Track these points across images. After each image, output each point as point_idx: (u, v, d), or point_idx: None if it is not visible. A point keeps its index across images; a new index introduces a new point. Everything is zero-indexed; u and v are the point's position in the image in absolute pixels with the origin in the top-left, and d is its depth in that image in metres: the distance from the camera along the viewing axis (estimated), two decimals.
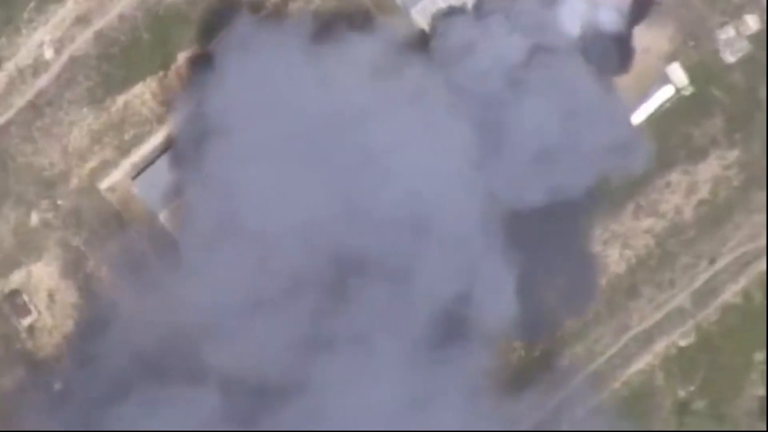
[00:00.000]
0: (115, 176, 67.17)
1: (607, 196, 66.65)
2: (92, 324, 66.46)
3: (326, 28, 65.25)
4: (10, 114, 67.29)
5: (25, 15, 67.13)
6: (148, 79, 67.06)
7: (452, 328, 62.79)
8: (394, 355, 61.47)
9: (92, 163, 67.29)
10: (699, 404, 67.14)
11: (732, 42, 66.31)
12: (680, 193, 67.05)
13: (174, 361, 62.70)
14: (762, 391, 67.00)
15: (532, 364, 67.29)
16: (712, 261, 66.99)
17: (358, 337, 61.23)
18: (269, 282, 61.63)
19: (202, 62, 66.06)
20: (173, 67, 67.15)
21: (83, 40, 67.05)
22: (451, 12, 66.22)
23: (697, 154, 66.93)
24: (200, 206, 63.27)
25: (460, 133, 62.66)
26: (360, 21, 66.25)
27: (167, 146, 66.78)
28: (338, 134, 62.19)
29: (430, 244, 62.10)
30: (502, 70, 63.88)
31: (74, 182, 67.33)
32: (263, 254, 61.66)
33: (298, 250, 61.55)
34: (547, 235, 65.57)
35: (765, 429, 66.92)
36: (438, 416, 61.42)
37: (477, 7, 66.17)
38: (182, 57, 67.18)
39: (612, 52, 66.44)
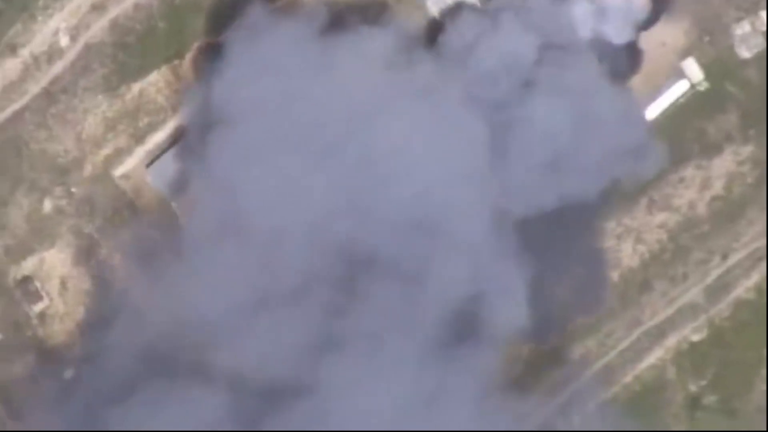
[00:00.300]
0: (129, 164, 67.07)
1: (621, 190, 66.42)
2: (103, 313, 66.33)
3: (340, 19, 65.08)
4: (24, 100, 67.15)
5: (41, 2, 66.96)
6: (163, 68, 66.94)
7: (462, 328, 62.53)
8: (403, 354, 61.11)
9: (106, 151, 67.19)
10: (710, 399, 67.17)
11: (747, 37, 66.29)
12: (694, 188, 67.04)
13: (181, 358, 62.46)
14: None
15: (544, 358, 67.22)
16: (725, 256, 66.99)
17: (367, 336, 60.88)
18: (276, 280, 61.25)
19: (215, 52, 65.84)
20: (188, 56, 67.04)
21: (99, 27, 66.92)
22: (460, 7, 66.05)
23: (712, 150, 66.91)
24: (205, 200, 63.02)
25: (471, 131, 62.29)
26: (375, 12, 66.09)
27: (181, 135, 66.63)
28: (347, 129, 61.83)
29: (440, 244, 61.77)
30: (511, 68, 63.62)
31: (88, 169, 67.23)
32: (270, 251, 61.28)
33: (306, 247, 61.21)
34: (557, 237, 65.47)
35: (765, 429, 67.08)
36: (448, 414, 61.15)
37: (486, 3, 65.91)
38: (197, 46, 67.07)
39: (621, 54, 66.30)
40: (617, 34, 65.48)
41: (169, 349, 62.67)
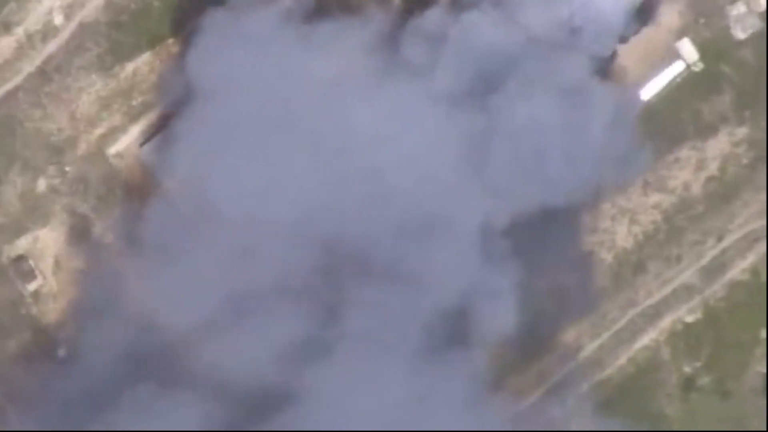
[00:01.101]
0: (123, 143, 66.96)
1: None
2: (94, 296, 66.06)
3: (324, 7, 64.49)
4: (18, 79, 66.88)
5: None
6: (158, 47, 66.79)
7: (450, 331, 61.49)
8: (387, 358, 60.12)
9: (100, 130, 66.95)
10: (704, 380, 67.16)
11: (743, 18, 66.19)
12: (689, 170, 66.97)
13: (163, 360, 61.90)
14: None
15: (536, 340, 67.06)
16: (719, 238, 66.96)
17: (352, 339, 59.94)
18: (252, 277, 60.08)
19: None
20: (182, 35, 66.83)
21: (93, 6, 66.60)
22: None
23: (707, 131, 66.81)
24: (175, 185, 62.30)
25: (454, 126, 60.93)
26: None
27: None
28: (318, 119, 60.58)
29: (424, 243, 60.66)
30: (488, 62, 61.90)
31: (82, 148, 67.00)
32: (243, 246, 60.10)
33: (283, 242, 59.98)
34: (541, 240, 64.93)
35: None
36: (437, 417, 60.10)
37: None
38: (191, 25, 66.83)
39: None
40: (596, 47, 64.59)
41: (151, 349, 62.15)
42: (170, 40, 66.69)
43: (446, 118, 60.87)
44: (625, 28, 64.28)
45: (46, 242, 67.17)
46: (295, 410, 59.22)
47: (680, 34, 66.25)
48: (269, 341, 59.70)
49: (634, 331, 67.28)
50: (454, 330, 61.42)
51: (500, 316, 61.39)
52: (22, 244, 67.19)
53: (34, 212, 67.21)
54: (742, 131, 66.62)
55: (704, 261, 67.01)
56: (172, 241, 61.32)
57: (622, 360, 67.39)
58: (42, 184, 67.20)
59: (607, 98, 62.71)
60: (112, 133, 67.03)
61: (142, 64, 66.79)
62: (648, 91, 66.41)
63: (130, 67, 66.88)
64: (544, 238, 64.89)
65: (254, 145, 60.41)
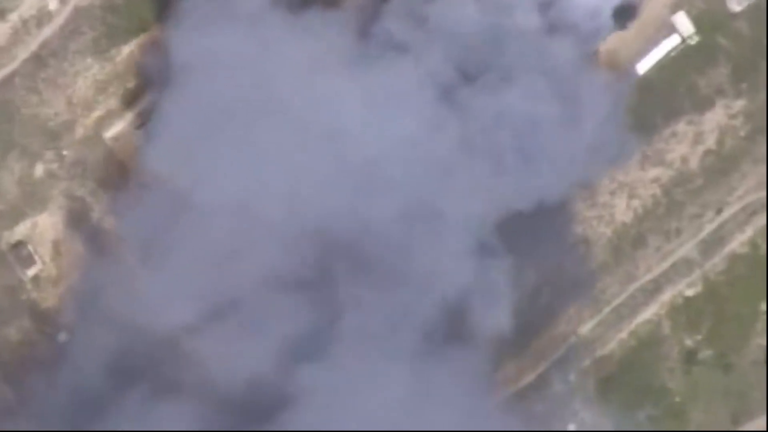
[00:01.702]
0: (120, 126, 66.95)
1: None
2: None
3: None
4: (14, 65, 66.87)
5: None
6: (152, 29, 66.70)
7: (447, 329, 61.19)
8: (385, 356, 59.83)
9: (97, 113, 66.97)
10: (706, 353, 67.11)
11: None
12: (687, 143, 66.91)
13: (155, 366, 61.56)
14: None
15: (538, 315, 67.03)
16: (718, 211, 66.88)
17: (348, 338, 59.71)
18: (239, 284, 59.72)
19: None
20: (173, 18, 66.56)
21: None
22: None
23: (703, 104, 66.83)
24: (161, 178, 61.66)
25: (444, 119, 60.60)
26: None
27: None
28: (302, 114, 59.92)
29: (419, 240, 60.44)
30: (463, 47, 61.47)
31: (79, 132, 67.00)
32: (235, 244, 59.68)
33: (275, 238, 59.58)
34: (532, 233, 64.83)
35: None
36: (437, 414, 59.56)
37: None
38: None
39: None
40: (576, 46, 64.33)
41: (144, 347, 61.86)
42: (163, 23, 66.48)
43: (431, 107, 60.62)
44: (602, 30, 64.59)
45: (45, 227, 67.12)
46: (293, 410, 58.96)
47: (675, 8, 66.22)
48: (264, 340, 59.49)
49: (634, 305, 67.30)
50: (451, 325, 61.32)
51: (497, 315, 61.64)
52: (20, 230, 67.18)
53: (32, 198, 67.19)
54: (739, 103, 66.57)
55: (703, 234, 66.99)
56: (160, 234, 61.07)
57: (624, 335, 67.35)
58: (40, 170, 67.16)
59: (592, 87, 62.84)
60: (109, 117, 67.03)
61: (137, 47, 66.75)
62: (644, 66, 66.41)
63: (125, 50, 66.86)
64: (540, 223, 64.85)
65: (236, 133, 60.12)
